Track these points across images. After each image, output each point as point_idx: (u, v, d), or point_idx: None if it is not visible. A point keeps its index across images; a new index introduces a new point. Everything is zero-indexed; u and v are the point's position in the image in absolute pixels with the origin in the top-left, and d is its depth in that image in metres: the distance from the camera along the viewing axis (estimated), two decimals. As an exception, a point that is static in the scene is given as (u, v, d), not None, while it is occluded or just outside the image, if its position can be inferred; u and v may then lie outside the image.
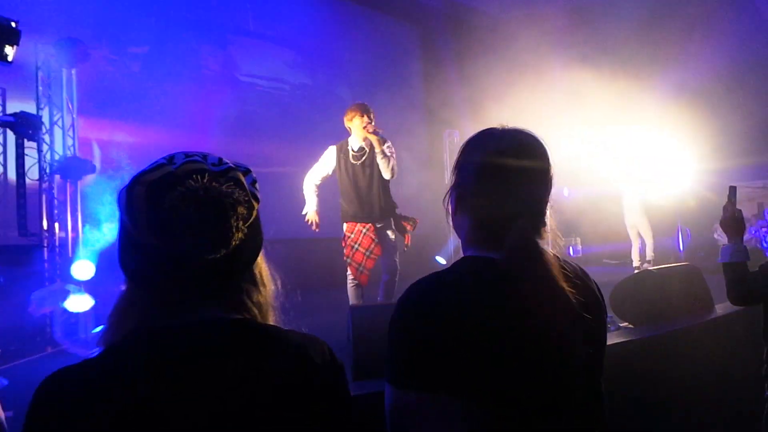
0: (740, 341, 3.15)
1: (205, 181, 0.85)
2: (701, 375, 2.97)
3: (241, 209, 0.86)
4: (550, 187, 1.19)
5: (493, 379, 1.05)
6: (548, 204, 1.19)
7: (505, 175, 1.15)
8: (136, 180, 0.86)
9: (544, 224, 1.18)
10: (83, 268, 5.67)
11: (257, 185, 0.94)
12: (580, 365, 1.11)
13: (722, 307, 3.54)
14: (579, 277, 1.18)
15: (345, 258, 4.34)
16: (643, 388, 2.64)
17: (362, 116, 4.26)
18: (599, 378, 1.19)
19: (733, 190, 2.43)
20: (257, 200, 0.91)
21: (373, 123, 4.28)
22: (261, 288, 0.96)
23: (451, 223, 1.24)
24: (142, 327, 0.87)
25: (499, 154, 1.15)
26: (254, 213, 0.90)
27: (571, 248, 11.06)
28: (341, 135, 4.51)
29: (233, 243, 0.86)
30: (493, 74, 8.32)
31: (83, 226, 6.06)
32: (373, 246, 4.33)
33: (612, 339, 2.83)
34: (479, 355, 1.05)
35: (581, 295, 1.13)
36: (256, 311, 0.94)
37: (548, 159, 1.18)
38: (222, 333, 0.88)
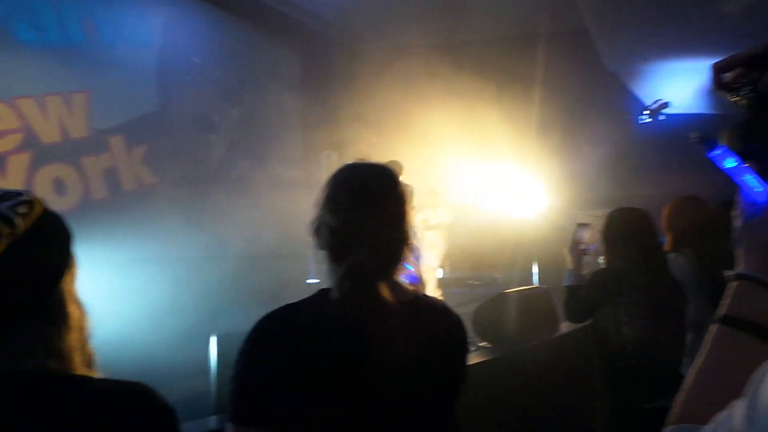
0: (580, 357, 3.49)
1: None
2: (546, 390, 3.25)
3: None
4: (408, 218, 1.22)
5: (331, 413, 1.05)
6: (410, 233, 1.22)
7: (364, 208, 1.16)
8: None
9: (409, 252, 1.22)
10: None
11: (21, 209, 0.82)
12: (416, 397, 1.14)
13: (566, 326, 3.89)
14: (430, 312, 1.23)
15: None
16: (495, 405, 2.82)
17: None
18: (445, 407, 1.22)
19: (580, 226, 2.88)
20: (9, 223, 0.79)
21: None
22: (63, 329, 0.84)
23: (314, 251, 1.24)
24: None
25: (361, 188, 1.18)
26: (8, 234, 0.79)
27: (441, 271, 11.53)
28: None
29: None
30: (372, 98, 8.52)
31: None
32: None
33: (471, 359, 3.00)
34: (317, 390, 1.04)
35: (424, 329, 1.18)
36: (58, 357, 0.82)
37: (405, 192, 1.22)
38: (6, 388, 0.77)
